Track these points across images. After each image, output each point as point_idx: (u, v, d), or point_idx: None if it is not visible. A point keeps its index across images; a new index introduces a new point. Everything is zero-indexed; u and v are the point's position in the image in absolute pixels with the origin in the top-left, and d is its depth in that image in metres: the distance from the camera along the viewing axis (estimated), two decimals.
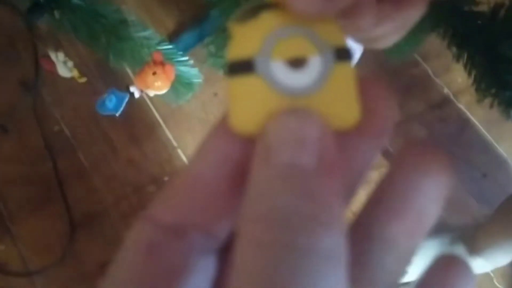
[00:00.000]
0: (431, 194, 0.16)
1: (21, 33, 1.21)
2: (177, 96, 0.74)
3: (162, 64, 0.57)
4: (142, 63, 0.71)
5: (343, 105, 0.15)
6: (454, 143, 1.13)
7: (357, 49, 0.84)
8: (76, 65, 0.94)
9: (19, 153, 1.12)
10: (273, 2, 0.15)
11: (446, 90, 1.18)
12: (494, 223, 0.87)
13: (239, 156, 0.15)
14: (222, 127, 0.15)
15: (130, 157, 1.12)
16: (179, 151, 1.12)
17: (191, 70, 0.75)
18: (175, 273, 0.15)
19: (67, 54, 0.91)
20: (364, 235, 0.15)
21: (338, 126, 0.15)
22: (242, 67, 0.15)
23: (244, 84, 0.15)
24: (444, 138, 1.13)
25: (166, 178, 1.10)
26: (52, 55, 0.85)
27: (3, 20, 1.23)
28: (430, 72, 1.19)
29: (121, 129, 1.13)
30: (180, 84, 0.76)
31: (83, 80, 1.04)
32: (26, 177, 1.10)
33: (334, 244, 0.13)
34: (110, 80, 1.09)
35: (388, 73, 1.16)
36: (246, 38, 0.15)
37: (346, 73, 0.15)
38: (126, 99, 0.76)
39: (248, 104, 0.15)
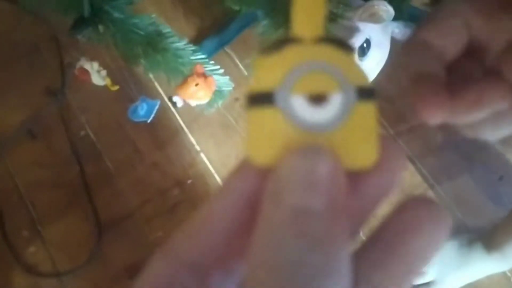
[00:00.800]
0: (421, 252, 0.15)
1: (46, 41, 1.25)
2: (209, 103, 0.76)
3: (204, 76, 0.60)
4: (175, 72, 0.74)
5: (361, 146, 0.15)
6: (471, 147, 1.15)
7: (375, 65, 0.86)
8: (108, 74, 0.98)
9: (46, 158, 1.15)
10: (298, 36, 0.15)
11: None
12: (511, 220, 0.90)
13: (256, 196, 0.15)
14: (242, 168, 0.16)
15: (154, 161, 1.15)
16: (202, 155, 1.15)
17: (222, 79, 0.77)
18: None
19: (100, 64, 0.94)
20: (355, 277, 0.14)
21: (354, 166, 0.15)
22: (262, 99, 0.15)
23: (263, 115, 0.15)
24: (461, 142, 1.15)
25: (189, 181, 1.13)
26: (87, 65, 0.88)
27: (28, 29, 1.26)
28: None
29: (146, 134, 1.17)
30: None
31: (115, 88, 1.07)
32: (54, 181, 1.14)
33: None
34: (137, 88, 1.13)
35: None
36: (268, 70, 0.15)
37: (367, 113, 0.15)
38: (157, 107, 0.79)
39: (265, 136, 0.15)
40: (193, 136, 1.17)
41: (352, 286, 0.14)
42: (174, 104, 0.70)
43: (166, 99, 1.18)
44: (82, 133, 1.17)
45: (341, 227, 0.14)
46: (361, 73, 0.15)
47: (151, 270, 0.17)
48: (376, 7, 0.61)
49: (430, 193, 1.12)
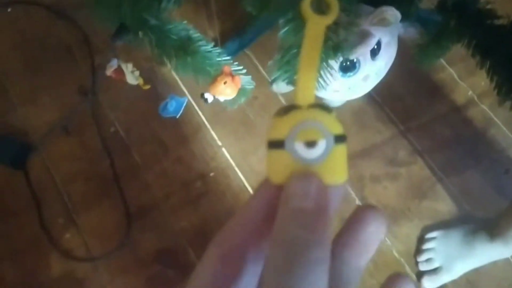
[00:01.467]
0: (372, 234, 0.24)
1: (78, 43, 1.34)
2: (232, 100, 0.84)
3: (231, 75, 0.68)
4: (203, 72, 0.82)
5: (337, 171, 0.23)
6: (478, 141, 1.22)
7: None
8: (140, 74, 1.06)
9: (80, 153, 1.24)
10: (298, 104, 0.23)
11: (470, 93, 1.26)
12: None
13: (275, 200, 0.23)
14: (266, 183, 0.24)
15: (178, 156, 1.23)
16: (223, 149, 1.23)
17: (245, 78, 0.85)
18: (236, 276, 0.24)
19: (135, 65, 1.02)
20: (332, 254, 0.22)
21: (333, 183, 0.23)
22: (276, 144, 0.23)
23: (277, 155, 0.23)
24: (468, 138, 1.22)
25: (211, 174, 1.21)
26: (123, 66, 0.96)
27: (62, 32, 1.36)
28: (455, 75, 1.27)
29: (171, 130, 1.25)
30: None
31: (147, 87, 1.16)
32: (87, 174, 1.23)
33: (322, 255, 0.21)
34: (164, 87, 1.21)
35: (416, 77, 1.25)
36: (280, 126, 0.23)
37: (341, 151, 0.23)
38: (185, 103, 0.87)
39: (279, 167, 0.23)
40: (214, 132, 1.25)
41: (330, 258, 0.21)
42: (205, 100, 0.78)
43: (190, 97, 1.26)
44: (112, 129, 1.26)
45: (323, 219, 0.22)
46: (337, 125, 0.23)
47: (208, 254, 0.24)
48: (385, 12, 0.68)
49: (439, 186, 1.18)
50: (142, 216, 1.19)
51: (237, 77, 0.67)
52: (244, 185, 1.20)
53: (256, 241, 0.24)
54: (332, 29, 0.58)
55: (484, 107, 1.24)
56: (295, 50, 0.56)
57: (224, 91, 0.67)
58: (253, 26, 1.30)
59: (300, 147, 0.23)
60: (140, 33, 0.69)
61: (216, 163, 1.22)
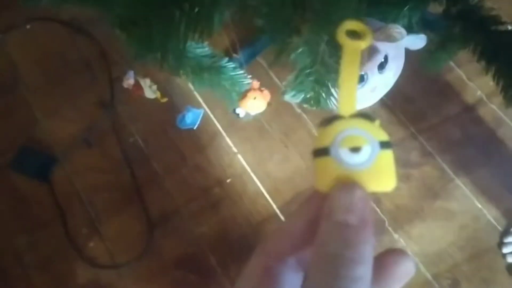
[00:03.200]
0: (399, 275, 0.24)
1: (97, 58, 1.39)
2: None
3: (260, 89, 0.72)
4: (218, 86, 0.86)
5: (384, 177, 0.23)
6: (489, 140, 1.24)
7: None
8: (158, 88, 1.10)
9: (101, 163, 1.29)
10: (342, 114, 0.24)
11: (479, 93, 1.28)
12: None
13: (317, 212, 0.24)
14: (312, 193, 0.25)
15: (196, 163, 1.27)
16: (239, 156, 1.27)
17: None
18: (278, 285, 0.25)
19: (152, 80, 1.06)
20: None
21: (380, 189, 0.23)
22: (322, 152, 0.24)
23: (323, 162, 0.24)
24: (478, 138, 1.24)
25: (228, 180, 1.25)
26: (141, 81, 1.00)
27: (81, 48, 1.40)
28: (463, 76, 1.30)
29: (188, 139, 1.29)
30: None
31: (165, 100, 1.20)
32: (109, 183, 1.27)
33: (364, 273, 0.21)
34: (180, 99, 1.25)
35: (425, 79, 1.28)
36: (325, 135, 0.24)
37: (387, 157, 0.24)
38: (201, 115, 0.91)
39: (325, 174, 0.24)
40: (230, 139, 1.29)
41: (370, 276, 0.22)
42: (237, 115, 0.83)
43: (205, 106, 1.30)
44: (132, 140, 1.30)
45: (367, 235, 0.22)
46: (382, 132, 0.24)
47: (254, 262, 0.26)
48: (391, 29, 0.71)
49: (451, 186, 1.21)
50: (163, 223, 1.23)
51: (265, 91, 0.71)
52: (260, 190, 1.24)
53: (299, 250, 0.25)
54: None
55: (494, 106, 1.26)
56: (308, 71, 0.59)
57: (255, 106, 0.71)
58: (265, 35, 1.34)
59: (345, 153, 0.23)
60: (160, 54, 0.73)
61: (232, 169, 1.26)
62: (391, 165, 0.24)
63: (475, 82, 1.30)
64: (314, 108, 0.63)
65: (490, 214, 1.17)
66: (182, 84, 1.30)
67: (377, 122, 0.24)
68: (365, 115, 0.24)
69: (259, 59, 1.36)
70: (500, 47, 0.80)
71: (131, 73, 1.32)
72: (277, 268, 0.25)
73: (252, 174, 1.25)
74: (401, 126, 1.27)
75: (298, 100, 0.97)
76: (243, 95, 0.74)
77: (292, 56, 0.59)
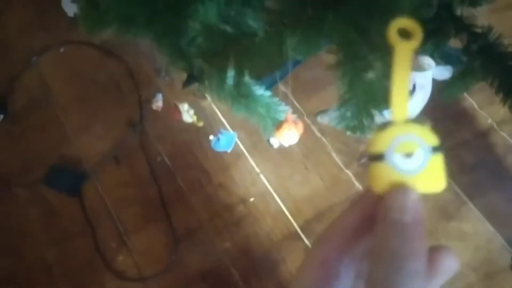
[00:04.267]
0: (447, 266, 0.26)
1: (126, 79, 1.46)
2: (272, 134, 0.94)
3: (294, 122, 0.79)
4: (254, 112, 0.93)
5: (435, 180, 0.25)
6: (500, 166, 1.30)
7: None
8: (195, 113, 1.17)
9: (129, 180, 1.35)
10: (395, 121, 0.25)
11: (490, 121, 1.35)
12: None
13: (369, 210, 0.26)
14: (367, 192, 0.27)
15: (220, 182, 1.33)
16: (262, 176, 1.33)
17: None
18: (334, 276, 0.27)
19: (189, 105, 1.13)
20: None
21: (431, 191, 0.25)
22: (377, 157, 0.25)
23: (378, 167, 0.25)
24: (491, 162, 1.30)
25: (251, 199, 1.31)
26: (180, 106, 1.07)
27: (110, 69, 1.48)
28: (475, 105, 1.37)
29: (212, 159, 1.35)
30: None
31: (201, 124, 1.26)
32: (136, 200, 1.33)
33: (419, 266, 0.23)
34: (206, 122, 1.31)
35: (440, 107, 1.35)
36: (380, 141, 0.25)
37: (438, 161, 0.25)
38: (235, 138, 0.97)
39: (380, 178, 0.25)
40: (253, 160, 1.35)
41: (425, 269, 0.24)
42: (271, 145, 0.90)
43: (228, 127, 1.37)
44: (159, 158, 1.36)
45: (420, 231, 0.25)
46: (433, 137, 0.26)
47: (311, 256, 0.28)
48: (420, 60, 0.78)
49: (464, 208, 1.27)
50: (188, 238, 1.28)
51: (299, 124, 0.78)
52: (282, 209, 1.30)
53: (352, 245, 0.27)
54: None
55: (504, 134, 1.33)
56: (353, 100, 0.65)
57: (289, 137, 0.77)
58: (288, 61, 1.41)
59: (399, 159, 0.25)
60: (206, 82, 0.79)
61: (255, 188, 1.32)
62: (441, 168, 0.25)
63: (486, 110, 1.37)
64: (358, 135, 0.68)
65: (502, 236, 1.22)
66: (206, 105, 1.37)
67: (428, 128, 0.25)
68: (417, 120, 0.26)
69: (280, 85, 1.43)
70: None
71: (159, 96, 1.39)
72: (333, 261, 0.27)
73: (274, 194, 1.31)
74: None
75: (329, 121, 1.04)
76: (278, 126, 0.81)
77: (339, 90, 0.65)
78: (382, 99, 0.70)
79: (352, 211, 0.28)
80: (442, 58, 1.08)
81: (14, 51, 1.50)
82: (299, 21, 0.53)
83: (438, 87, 1.01)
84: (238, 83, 0.81)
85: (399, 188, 0.25)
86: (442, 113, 1.37)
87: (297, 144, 1.38)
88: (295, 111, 1.37)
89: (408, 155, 0.25)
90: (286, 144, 0.82)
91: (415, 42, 0.25)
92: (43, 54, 1.49)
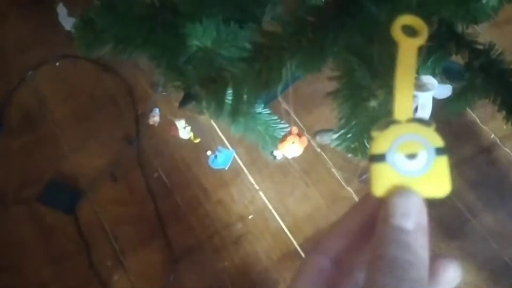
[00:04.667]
0: (449, 275, 0.24)
1: (123, 95, 1.44)
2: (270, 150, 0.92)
3: (298, 135, 0.77)
4: (252, 130, 0.91)
5: (439, 182, 0.23)
6: (503, 182, 1.28)
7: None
8: (192, 129, 1.15)
9: (126, 197, 1.33)
10: (398, 119, 0.24)
11: (492, 136, 1.33)
12: None
13: (375, 212, 0.24)
14: (368, 195, 0.25)
15: (219, 199, 1.31)
16: (261, 193, 1.31)
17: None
18: (331, 285, 0.26)
19: (186, 121, 1.11)
20: None
21: (436, 194, 0.23)
22: (378, 158, 0.24)
23: (379, 168, 0.23)
24: (495, 179, 1.28)
25: (250, 217, 1.29)
26: (177, 123, 1.05)
27: (107, 84, 1.46)
28: (477, 120, 1.35)
29: (210, 175, 1.33)
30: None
31: (197, 140, 1.24)
32: (133, 217, 1.30)
33: (422, 275, 0.22)
34: (203, 138, 1.30)
35: (441, 122, 1.33)
36: (381, 141, 0.24)
37: (443, 163, 0.23)
38: (233, 156, 0.95)
39: (381, 180, 0.23)
40: (252, 177, 1.33)
41: (428, 278, 0.22)
42: (274, 157, 0.88)
43: (227, 143, 1.35)
44: (156, 175, 1.34)
45: (422, 239, 0.23)
46: (437, 138, 0.24)
47: (309, 261, 0.26)
48: (423, 80, 0.77)
49: (467, 226, 1.24)
50: (186, 256, 1.26)
51: (304, 137, 0.76)
52: (281, 227, 1.27)
53: (352, 250, 0.26)
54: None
55: (507, 149, 1.31)
56: (354, 122, 0.63)
57: (292, 150, 0.76)
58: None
59: (401, 160, 0.23)
60: (204, 102, 0.78)
61: (254, 206, 1.30)
62: (445, 171, 0.24)
63: (488, 126, 1.35)
64: (359, 157, 0.66)
65: (505, 255, 1.20)
66: (205, 120, 1.35)
67: (433, 127, 0.24)
68: (421, 120, 0.24)
69: (280, 99, 1.41)
70: None
71: (156, 111, 1.37)
72: (331, 269, 0.26)
73: (273, 211, 1.29)
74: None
75: (327, 141, 1.01)
76: (282, 139, 0.79)
77: (339, 110, 0.63)
78: None
79: (352, 216, 0.27)
80: (444, 73, 1.06)
81: (10, 65, 1.49)
82: (299, 45, 0.51)
83: (439, 104, 0.99)
84: (237, 106, 0.79)
85: (401, 191, 0.23)
86: (444, 129, 1.35)
87: (296, 159, 1.37)
88: (294, 124, 1.35)
89: (411, 156, 0.23)
90: (290, 156, 0.80)
91: (420, 39, 0.24)
92: (39, 68, 1.47)
